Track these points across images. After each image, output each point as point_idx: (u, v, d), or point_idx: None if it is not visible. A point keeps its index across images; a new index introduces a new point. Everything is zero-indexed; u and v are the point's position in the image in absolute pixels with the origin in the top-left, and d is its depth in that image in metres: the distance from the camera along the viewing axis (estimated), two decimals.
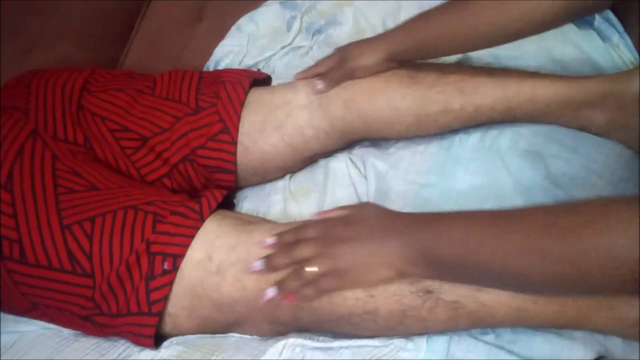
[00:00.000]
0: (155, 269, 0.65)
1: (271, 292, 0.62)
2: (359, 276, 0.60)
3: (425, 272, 0.58)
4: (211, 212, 0.70)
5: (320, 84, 0.79)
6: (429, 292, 0.60)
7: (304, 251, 0.62)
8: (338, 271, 0.61)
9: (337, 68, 0.80)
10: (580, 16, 0.80)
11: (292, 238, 0.65)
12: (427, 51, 0.77)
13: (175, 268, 0.65)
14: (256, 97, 0.82)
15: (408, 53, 0.77)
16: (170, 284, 0.65)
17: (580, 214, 0.48)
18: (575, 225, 0.47)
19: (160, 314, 0.66)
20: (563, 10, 0.66)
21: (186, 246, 0.66)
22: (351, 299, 0.62)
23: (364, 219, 0.63)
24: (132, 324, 0.66)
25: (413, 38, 0.76)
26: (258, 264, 0.64)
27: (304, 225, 0.66)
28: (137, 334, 0.67)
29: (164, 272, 0.65)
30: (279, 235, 0.66)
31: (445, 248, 0.55)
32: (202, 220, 0.68)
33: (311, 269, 0.61)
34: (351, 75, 0.79)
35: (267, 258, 0.64)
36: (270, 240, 0.65)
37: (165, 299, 0.66)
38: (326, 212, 0.67)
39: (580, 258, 0.46)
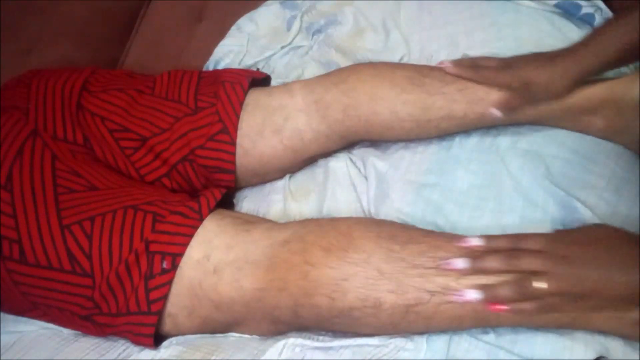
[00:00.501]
0: (154, 268, 0.65)
1: (473, 295, 0.59)
2: (598, 303, 0.57)
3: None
4: (210, 212, 0.70)
5: (497, 112, 0.74)
6: (439, 292, 0.60)
7: (532, 263, 0.58)
8: (570, 294, 0.57)
9: (519, 94, 0.73)
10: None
11: (508, 245, 0.61)
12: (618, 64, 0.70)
13: (174, 267, 0.65)
14: (254, 99, 0.81)
15: (597, 71, 0.70)
16: (169, 283, 0.65)
17: None
18: None
19: (160, 314, 0.66)
20: None
21: (185, 245, 0.66)
22: (352, 292, 0.61)
23: (601, 240, 0.60)
24: (132, 324, 0.66)
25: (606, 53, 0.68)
26: (460, 262, 0.60)
27: (524, 235, 0.61)
28: (137, 334, 0.67)
29: (163, 271, 0.65)
30: (489, 238, 0.62)
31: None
32: (201, 219, 0.68)
33: (540, 285, 0.57)
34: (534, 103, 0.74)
35: (475, 258, 0.60)
36: (476, 241, 0.62)
37: (164, 298, 0.66)
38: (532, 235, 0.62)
39: None
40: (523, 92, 0.71)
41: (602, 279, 0.56)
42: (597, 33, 0.68)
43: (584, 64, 0.68)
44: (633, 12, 0.63)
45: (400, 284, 0.61)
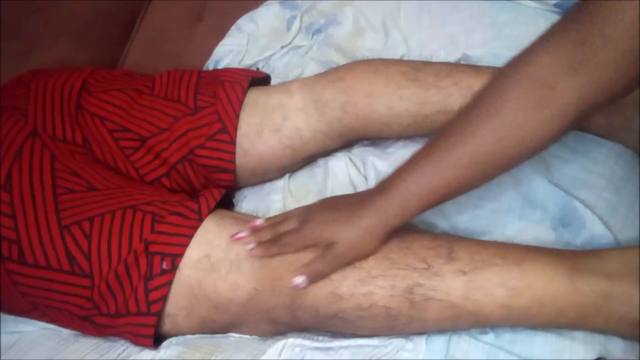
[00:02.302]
0: (153, 268, 0.65)
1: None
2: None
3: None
4: (210, 212, 0.70)
5: (301, 280, 0.62)
6: (413, 292, 0.60)
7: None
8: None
9: (321, 257, 0.63)
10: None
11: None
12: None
13: (174, 268, 0.65)
14: (252, 99, 0.81)
15: (410, 218, 0.63)
16: (169, 283, 0.65)
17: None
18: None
19: (159, 314, 0.66)
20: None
21: (185, 246, 0.66)
22: (345, 294, 0.62)
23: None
24: (131, 324, 0.66)
25: (417, 197, 0.61)
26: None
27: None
28: (137, 334, 0.67)
29: (163, 272, 0.65)
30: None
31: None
32: (200, 220, 0.68)
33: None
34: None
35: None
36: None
37: (164, 299, 0.66)
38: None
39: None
40: (327, 255, 0.62)
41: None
42: (396, 176, 0.62)
43: (389, 218, 0.61)
44: (431, 156, 0.61)
45: (392, 286, 0.61)
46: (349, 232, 0.62)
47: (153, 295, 0.65)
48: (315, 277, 0.62)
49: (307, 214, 0.66)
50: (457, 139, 0.58)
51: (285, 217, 0.68)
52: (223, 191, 0.74)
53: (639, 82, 0.53)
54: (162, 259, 0.65)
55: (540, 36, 0.56)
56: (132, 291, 0.65)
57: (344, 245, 0.62)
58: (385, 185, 0.62)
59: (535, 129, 0.55)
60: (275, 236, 0.65)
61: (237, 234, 0.67)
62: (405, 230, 0.65)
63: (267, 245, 0.65)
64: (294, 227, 0.65)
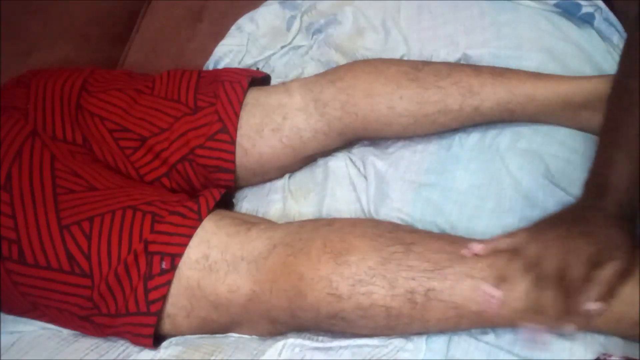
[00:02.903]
0: (153, 268, 0.65)
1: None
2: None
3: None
4: (209, 212, 0.70)
5: (598, 305, 0.57)
6: (415, 292, 0.60)
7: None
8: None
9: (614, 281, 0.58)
10: None
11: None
12: None
13: (173, 267, 0.65)
14: (253, 99, 0.81)
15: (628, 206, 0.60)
16: (168, 283, 0.65)
17: None
18: None
19: (159, 314, 0.66)
20: None
21: (184, 245, 0.66)
22: (345, 294, 0.61)
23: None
24: (131, 324, 0.66)
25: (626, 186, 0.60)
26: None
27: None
28: (136, 334, 0.67)
29: (162, 272, 0.65)
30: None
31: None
32: (200, 220, 0.68)
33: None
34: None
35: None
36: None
37: (163, 298, 0.66)
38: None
39: None
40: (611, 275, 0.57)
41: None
42: (604, 171, 0.61)
43: (623, 212, 0.59)
44: None
45: (393, 286, 0.61)
46: (599, 243, 0.58)
47: (153, 295, 0.65)
48: (609, 294, 0.57)
49: (547, 249, 0.59)
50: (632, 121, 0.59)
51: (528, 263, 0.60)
52: (223, 191, 0.74)
53: None
54: (162, 259, 0.66)
55: None
56: (131, 291, 0.65)
57: (622, 257, 0.58)
58: (600, 184, 0.61)
59: None
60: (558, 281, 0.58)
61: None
62: (408, 231, 0.65)
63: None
64: (559, 261, 0.58)
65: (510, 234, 0.63)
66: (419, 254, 0.62)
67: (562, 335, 0.61)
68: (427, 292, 0.60)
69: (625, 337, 0.61)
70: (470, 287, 0.60)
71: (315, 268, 0.62)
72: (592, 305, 0.56)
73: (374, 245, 0.63)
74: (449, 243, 0.63)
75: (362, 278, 0.61)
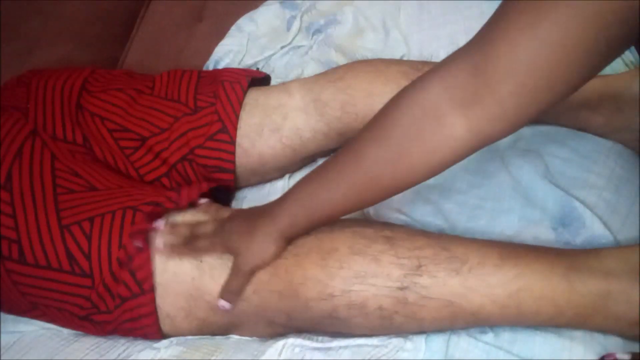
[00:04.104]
0: (129, 251, 0.66)
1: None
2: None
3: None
4: (190, 203, 0.71)
5: (224, 303, 0.65)
6: (407, 290, 0.60)
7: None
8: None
9: (231, 274, 0.65)
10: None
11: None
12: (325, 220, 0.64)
13: (147, 243, 0.66)
14: (252, 99, 0.81)
15: (304, 229, 0.64)
16: (149, 260, 0.66)
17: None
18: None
19: (154, 291, 0.66)
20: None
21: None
22: (338, 294, 0.61)
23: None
24: (129, 310, 0.66)
25: (307, 211, 0.63)
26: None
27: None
28: (137, 318, 0.67)
29: (139, 250, 0.66)
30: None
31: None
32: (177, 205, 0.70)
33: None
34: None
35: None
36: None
37: (151, 275, 0.66)
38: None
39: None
40: (234, 269, 0.64)
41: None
42: (292, 191, 0.64)
43: (282, 227, 0.63)
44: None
45: (383, 285, 0.61)
46: (248, 242, 0.63)
47: (140, 275, 0.65)
48: (233, 296, 0.64)
49: (222, 221, 0.67)
50: (347, 160, 0.59)
51: (206, 220, 0.68)
52: (212, 184, 0.75)
53: (541, 113, 0.50)
54: (134, 240, 0.66)
55: (440, 62, 0.54)
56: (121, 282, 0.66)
57: (244, 255, 0.64)
58: (282, 198, 0.64)
59: (422, 157, 0.54)
60: (190, 236, 0.66)
61: (157, 221, 0.67)
62: (399, 229, 0.65)
63: (179, 246, 0.66)
64: (209, 232, 0.66)
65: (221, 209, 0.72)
66: (410, 252, 0.62)
67: (561, 333, 0.61)
68: (418, 290, 0.60)
69: (624, 336, 0.61)
70: (459, 284, 0.60)
71: (304, 268, 0.62)
72: (219, 303, 0.65)
73: (363, 244, 0.63)
74: (440, 242, 0.63)
75: (352, 276, 0.61)
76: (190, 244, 0.66)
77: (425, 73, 0.54)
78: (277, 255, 0.63)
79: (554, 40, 0.45)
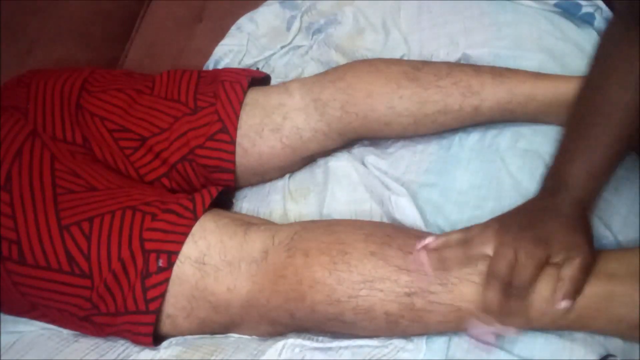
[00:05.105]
0: (150, 266, 0.65)
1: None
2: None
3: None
4: (205, 210, 0.70)
5: (567, 303, 0.58)
6: (414, 296, 0.60)
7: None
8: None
9: (573, 271, 0.58)
10: None
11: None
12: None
13: (170, 265, 0.65)
14: (253, 99, 0.81)
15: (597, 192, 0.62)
16: (166, 281, 0.65)
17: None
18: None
19: (158, 312, 0.66)
20: None
21: (181, 243, 0.66)
22: (343, 297, 0.61)
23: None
24: (130, 323, 0.66)
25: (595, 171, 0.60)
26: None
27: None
28: (136, 333, 0.67)
29: (159, 270, 0.65)
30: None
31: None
32: (195, 218, 0.68)
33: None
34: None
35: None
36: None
37: (162, 296, 0.65)
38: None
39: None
40: (573, 265, 0.58)
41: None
42: (563, 168, 0.61)
43: (584, 206, 0.60)
44: None
45: (391, 290, 0.60)
46: (570, 227, 0.59)
47: (151, 294, 0.65)
48: (577, 289, 0.58)
49: (511, 241, 0.59)
50: (605, 112, 0.60)
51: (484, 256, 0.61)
52: (220, 189, 0.74)
53: None
54: (158, 257, 0.65)
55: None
56: (130, 290, 0.65)
57: (580, 240, 0.59)
58: (557, 181, 0.61)
59: None
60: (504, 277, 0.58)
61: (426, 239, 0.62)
62: (407, 234, 0.65)
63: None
64: (513, 260, 0.58)
65: (464, 230, 0.64)
66: (417, 257, 0.61)
67: (561, 334, 0.61)
68: (426, 296, 0.60)
69: (625, 338, 0.61)
70: (467, 289, 0.60)
71: (313, 270, 0.62)
72: (562, 304, 0.57)
73: (372, 248, 0.62)
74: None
75: (360, 281, 0.61)
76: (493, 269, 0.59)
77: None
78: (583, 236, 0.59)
79: None
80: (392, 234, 0.65)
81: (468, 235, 0.62)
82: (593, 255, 0.59)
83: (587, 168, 0.60)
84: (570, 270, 0.58)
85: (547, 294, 0.58)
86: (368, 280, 0.61)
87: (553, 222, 0.59)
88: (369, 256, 0.62)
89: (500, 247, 0.59)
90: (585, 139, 0.61)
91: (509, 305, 0.58)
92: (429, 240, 0.62)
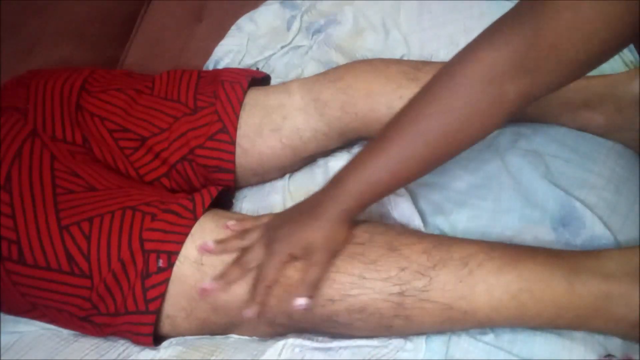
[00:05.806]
0: (150, 266, 0.65)
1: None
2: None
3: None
4: (205, 210, 0.70)
5: (303, 301, 0.62)
6: (405, 294, 0.60)
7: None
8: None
9: (308, 266, 0.62)
10: None
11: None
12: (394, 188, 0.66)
13: (170, 265, 0.65)
14: (252, 99, 0.81)
15: (368, 204, 0.65)
16: (166, 281, 0.65)
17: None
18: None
19: (158, 313, 0.66)
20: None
21: (180, 243, 0.66)
22: (337, 298, 0.61)
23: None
24: (130, 323, 0.66)
25: (371, 186, 0.63)
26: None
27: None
28: (136, 333, 0.67)
29: (159, 270, 0.65)
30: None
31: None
32: (195, 218, 0.68)
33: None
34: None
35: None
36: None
37: (162, 297, 0.65)
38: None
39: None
40: (310, 259, 0.62)
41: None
42: (348, 168, 0.63)
43: (350, 207, 0.63)
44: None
45: (382, 289, 0.61)
46: (320, 228, 0.63)
47: (151, 294, 0.65)
48: (313, 288, 0.62)
49: (268, 237, 0.65)
50: (408, 134, 0.60)
51: (246, 248, 0.66)
52: (220, 189, 0.74)
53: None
54: (158, 257, 0.65)
55: (486, 32, 0.58)
56: (129, 290, 0.65)
57: (320, 242, 0.62)
58: (339, 178, 0.64)
59: (481, 124, 0.58)
60: (245, 270, 0.64)
61: (205, 243, 0.66)
62: (397, 232, 0.65)
63: (254, 288, 0.64)
64: (262, 256, 0.64)
65: (259, 217, 0.70)
66: (407, 255, 0.62)
67: (561, 334, 0.61)
68: (416, 294, 0.60)
69: (624, 338, 0.61)
70: (459, 287, 0.60)
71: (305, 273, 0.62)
72: (297, 303, 0.61)
73: (363, 247, 0.63)
74: (437, 245, 0.63)
75: (351, 281, 0.61)
76: (241, 260, 0.65)
77: (472, 44, 0.58)
78: (348, 236, 0.64)
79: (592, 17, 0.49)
80: (383, 233, 0.65)
81: (246, 225, 0.68)
82: (325, 264, 0.62)
83: (368, 179, 0.62)
84: (303, 273, 0.62)
85: (280, 293, 0.63)
86: (359, 280, 0.61)
87: (312, 223, 0.63)
88: (358, 256, 0.62)
89: (256, 241, 0.65)
90: (378, 150, 0.62)
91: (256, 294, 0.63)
92: (230, 223, 0.68)
